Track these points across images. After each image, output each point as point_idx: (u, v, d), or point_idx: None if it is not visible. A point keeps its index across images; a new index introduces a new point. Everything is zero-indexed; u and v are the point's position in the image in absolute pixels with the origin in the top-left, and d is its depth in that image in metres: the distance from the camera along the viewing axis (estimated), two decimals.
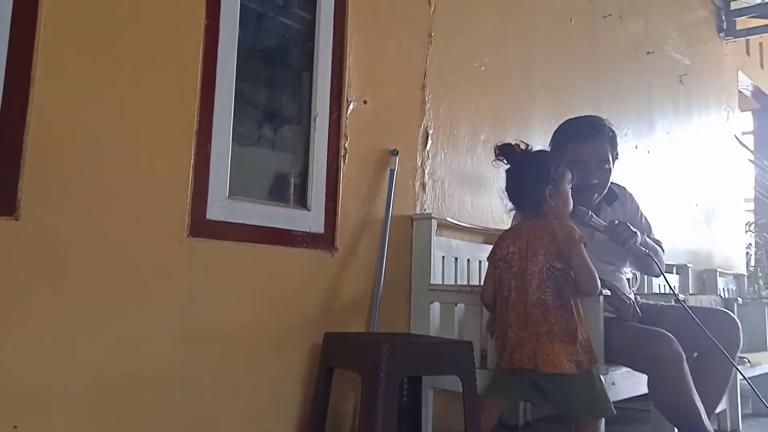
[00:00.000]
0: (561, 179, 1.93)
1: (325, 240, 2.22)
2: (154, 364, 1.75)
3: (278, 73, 2.32)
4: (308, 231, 2.17)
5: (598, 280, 1.85)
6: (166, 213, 1.81)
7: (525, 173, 1.94)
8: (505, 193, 2.00)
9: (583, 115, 2.38)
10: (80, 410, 1.62)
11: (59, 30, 1.63)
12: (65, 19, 1.64)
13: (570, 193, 1.96)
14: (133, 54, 1.76)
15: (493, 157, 2.88)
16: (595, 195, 2.23)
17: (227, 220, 1.96)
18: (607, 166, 2.21)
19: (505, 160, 1.96)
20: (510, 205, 2.02)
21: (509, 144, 1.95)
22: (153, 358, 1.75)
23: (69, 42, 1.65)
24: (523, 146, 1.94)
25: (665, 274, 2.28)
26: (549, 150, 2.23)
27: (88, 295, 1.64)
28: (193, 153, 1.87)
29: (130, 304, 1.71)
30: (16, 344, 1.53)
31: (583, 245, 1.84)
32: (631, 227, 2.11)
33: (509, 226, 2.09)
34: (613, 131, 2.25)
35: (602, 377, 1.85)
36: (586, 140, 2.19)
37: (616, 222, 2.13)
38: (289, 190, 2.22)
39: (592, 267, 1.83)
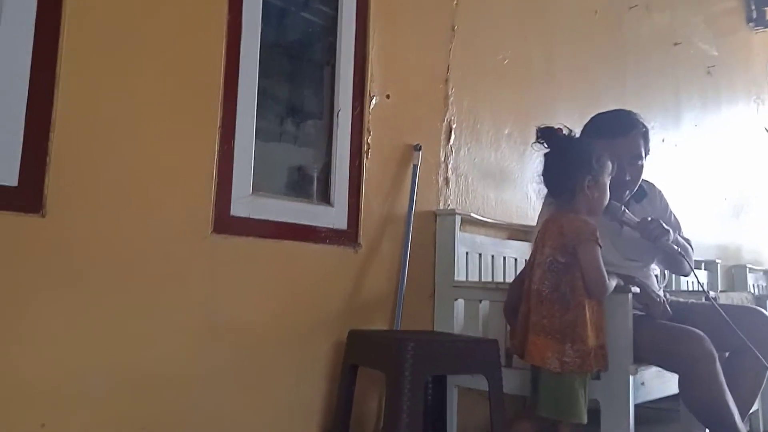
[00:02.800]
0: (601, 170, 1.88)
1: (348, 236, 2.20)
2: (178, 361, 1.75)
3: (300, 68, 2.30)
4: (331, 227, 2.16)
5: (608, 283, 1.79)
6: (191, 209, 1.81)
7: (566, 159, 1.86)
8: (541, 177, 1.93)
9: (611, 109, 2.31)
10: (104, 408, 1.62)
11: (83, 28, 1.63)
12: (89, 17, 1.64)
13: (608, 186, 1.90)
14: (157, 51, 1.76)
15: (517, 151, 2.91)
16: (627, 192, 2.17)
17: (251, 216, 1.95)
18: (640, 162, 2.15)
19: (545, 144, 1.89)
20: (544, 190, 1.96)
21: (552, 127, 1.87)
22: (177, 355, 1.75)
23: (93, 40, 1.65)
24: (566, 131, 1.87)
25: (695, 272, 2.23)
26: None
27: (112, 291, 1.64)
28: (216, 149, 1.87)
29: (154, 301, 1.71)
30: (42, 341, 1.54)
31: (595, 244, 1.77)
32: (664, 224, 2.06)
33: (540, 211, 2.05)
34: (645, 126, 2.19)
35: (585, 386, 1.77)
36: (620, 136, 2.12)
37: (649, 219, 2.08)
38: (312, 185, 2.21)
39: (602, 267, 1.77)
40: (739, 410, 1.93)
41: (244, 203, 1.93)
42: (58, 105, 1.58)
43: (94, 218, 1.63)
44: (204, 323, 1.81)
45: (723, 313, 2.03)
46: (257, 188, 1.98)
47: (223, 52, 1.91)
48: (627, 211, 2.09)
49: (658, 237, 2.05)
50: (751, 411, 2.32)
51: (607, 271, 1.81)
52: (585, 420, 1.75)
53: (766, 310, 2.38)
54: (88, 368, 1.60)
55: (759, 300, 2.84)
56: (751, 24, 5.41)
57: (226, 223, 1.88)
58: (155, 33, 1.76)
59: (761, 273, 4.77)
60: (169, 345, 1.74)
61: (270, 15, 2.12)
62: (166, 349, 1.73)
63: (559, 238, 1.80)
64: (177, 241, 1.77)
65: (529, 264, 1.91)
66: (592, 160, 1.85)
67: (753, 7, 5.38)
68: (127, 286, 1.67)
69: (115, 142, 1.67)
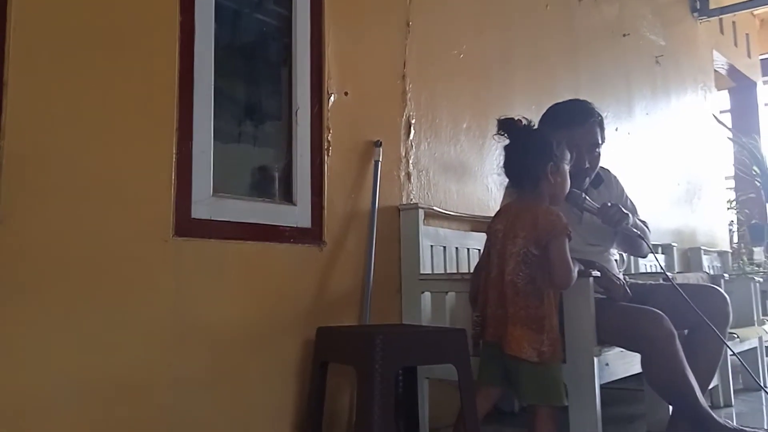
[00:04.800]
0: (562, 157, 1.91)
1: (312, 234, 2.20)
2: (144, 367, 1.72)
3: (257, 68, 2.29)
4: (295, 226, 2.15)
5: (574, 275, 1.83)
6: (150, 213, 1.78)
7: (527, 149, 1.90)
8: (503, 168, 1.96)
9: (566, 99, 2.37)
10: (68, 417, 1.58)
11: (30, 31, 1.58)
12: (36, 20, 1.60)
13: (568, 173, 1.95)
14: (108, 52, 1.73)
15: (475, 144, 2.95)
16: (586, 179, 2.23)
17: (213, 218, 1.93)
18: (597, 150, 2.22)
19: (506, 135, 1.92)
20: (507, 181, 2.00)
21: (512, 118, 1.90)
22: (142, 360, 1.72)
23: (41, 43, 1.60)
24: (525, 122, 1.91)
25: (656, 255, 2.29)
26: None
27: (73, 300, 1.61)
28: (174, 151, 1.84)
29: (117, 307, 1.68)
30: (4, 352, 1.49)
31: (566, 238, 1.81)
32: (623, 209, 2.12)
33: (502, 201, 2.08)
34: (600, 115, 2.25)
35: (561, 371, 1.84)
36: (578, 125, 2.18)
37: (609, 204, 2.14)
38: (273, 185, 2.20)
39: (570, 261, 1.81)
40: (699, 386, 2.00)
41: (204, 205, 1.91)
42: (8, 110, 1.53)
43: (51, 226, 1.59)
44: (171, 327, 1.78)
45: (681, 292, 2.10)
46: (218, 190, 1.96)
47: (177, 53, 1.88)
48: (588, 198, 2.14)
49: (619, 221, 2.11)
50: (711, 386, 2.40)
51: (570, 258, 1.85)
52: (566, 402, 1.81)
53: (721, 288, 2.47)
54: (53, 377, 1.56)
55: (714, 279, 2.92)
56: (695, 14, 5.58)
57: (187, 225, 1.85)
58: (106, 34, 1.72)
59: (715, 254, 4.92)
60: (136, 350, 1.71)
61: (223, 17, 2.10)
62: (133, 355, 1.70)
63: (533, 231, 1.82)
64: (138, 246, 1.74)
65: (493, 251, 1.91)
66: (553, 147, 1.89)
67: None
68: (90, 293, 1.63)
69: (69, 147, 1.63)
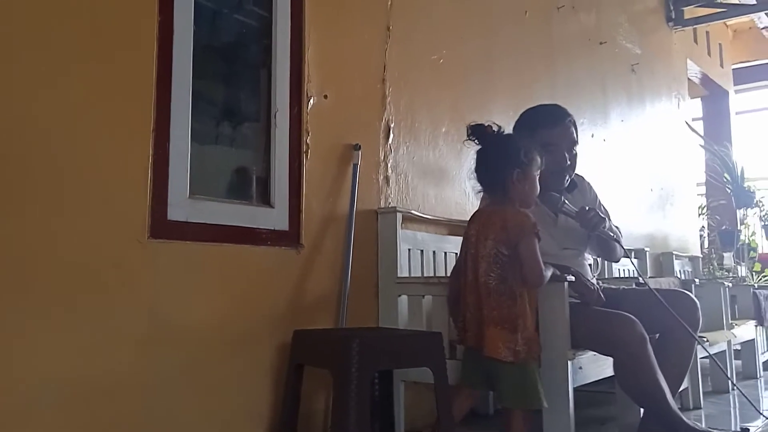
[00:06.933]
0: (530, 164, 1.94)
1: (290, 237, 2.19)
2: (119, 370, 1.71)
3: (236, 70, 2.28)
4: (273, 228, 2.15)
5: (545, 273, 1.86)
6: (126, 215, 1.76)
7: (495, 155, 1.94)
8: (474, 174, 2.00)
9: (542, 104, 2.41)
10: (44, 420, 1.56)
11: (4, 27, 1.56)
12: (10, 16, 1.57)
13: (537, 179, 1.97)
14: (85, 51, 1.71)
15: (454, 149, 2.97)
16: (567, 177, 2.27)
17: (189, 220, 1.91)
18: (576, 148, 2.27)
19: (476, 141, 1.96)
20: (479, 186, 2.03)
21: (482, 125, 1.95)
22: (118, 363, 1.71)
23: (15, 39, 1.58)
24: (495, 128, 1.94)
25: (631, 258, 2.34)
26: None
27: (48, 302, 1.59)
28: (150, 152, 1.82)
29: (92, 309, 1.66)
30: None
31: (535, 237, 1.85)
32: (600, 213, 2.17)
33: (479, 206, 2.11)
34: (572, 116, 2.31)
35: (539, 372, 1.86)
36: (556, 125, 2.24)
37: (587, 208, 2.18)
38: (251, 187, 2.19)
39: (540, 259, 1.84)
40: (669, 388, 2.04)
41: (181, 207, 1.90)
42: None
43: (24, 227, 1.56)
44: (146, 329, 1.77)
45: (658, 295, 2.14)
46: (195, 191, 1.95)
47: (155, 54, 1.86)
48: (566, 202, 2.18)
49: (596, 225, 2.15)
50: (681, 389, 2.44)
51: (543, 262, 1.88)
52: (545, 404, 1.83)
53: (692, 293, 2.52)
54: (26, 381, 1.54)
55: (685, 284, 2.98)
56: (670, 23, 5.69)
57: (163, 227, 1.84)
58: (83, 32, 1.71)
59: (687, 259, 5.02)
60: (110, 353, 1.69)
61: (203, 17, 2.09)
62: (107, 357, 1.68)
63: (502, 232, 1.86)
64: (113, 248, 1.72)
65: (468, 256, 1.93)
66: (520, 155, 1.92)
67: (672, 8, 5.67)
68: (64, 296, 1.61)
69: (42, 148, 1.61)
